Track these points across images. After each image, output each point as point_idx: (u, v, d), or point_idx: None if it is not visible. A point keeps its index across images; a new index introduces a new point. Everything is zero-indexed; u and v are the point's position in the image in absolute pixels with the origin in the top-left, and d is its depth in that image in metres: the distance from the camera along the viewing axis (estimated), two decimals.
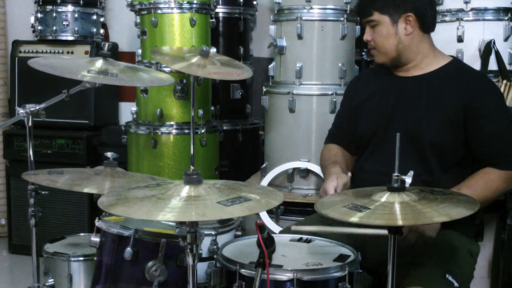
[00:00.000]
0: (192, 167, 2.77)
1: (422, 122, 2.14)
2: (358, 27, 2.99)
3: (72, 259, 2.35)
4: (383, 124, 2.23)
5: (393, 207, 1.53)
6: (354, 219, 1.50)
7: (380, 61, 2.26)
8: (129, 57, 3.92)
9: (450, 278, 1.92)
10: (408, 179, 1.60)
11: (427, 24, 2.20)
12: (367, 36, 2.24)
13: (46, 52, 3.88)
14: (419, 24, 2.17)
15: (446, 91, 2.15)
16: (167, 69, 3.12)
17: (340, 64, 2.89)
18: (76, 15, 3.84)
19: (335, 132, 2.48)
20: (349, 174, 2.16)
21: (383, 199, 1.57)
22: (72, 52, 3.85)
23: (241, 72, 2.74)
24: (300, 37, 2.86)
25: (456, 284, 1.92)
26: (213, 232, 2.34)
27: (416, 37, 2.18)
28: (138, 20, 3.29)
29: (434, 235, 1.94)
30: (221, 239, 2.34)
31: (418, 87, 2.20)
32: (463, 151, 2.14)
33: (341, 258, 1.82)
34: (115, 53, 4.00)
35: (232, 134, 3.63)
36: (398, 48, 2.18)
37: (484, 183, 2.06)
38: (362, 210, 1.53)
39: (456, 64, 2.26)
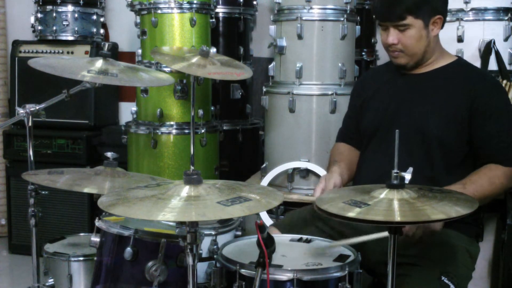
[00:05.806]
0: (192, 167, 2.77)
1: (428, 117, 2.14)
2: (358, 27, 2.99)
3: (72, 259, 2.36)
4: (387, 120, 2.22)
5: (392, 204, 1.53)
6: (352, 214, 1.50)
7: (403, 62, 2.20)
8: (129, 57, 3.91)
9: (445, 280, 1.91)
10: (407, 176, 1.60)
11: (444, 23, 2.22)
12: (393, 40, 2.14)
13: (46, 52, 3.88)
14: (442, 25, 2.19)
15: (451, 89, 2.15)
16: (167, 69, 3.12)
17: (340, 64, 2.88)
18: (76, 15, 3.84)
19: (344, 131, 2.48)
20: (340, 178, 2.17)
21: (382, 195, 1.57)
22: (72, 52, 3.85)
23: (241, 72, 2.74)
24: (300, 37, 2.86)
25: (452, 286, 1.91)
26: (213, 232, 2.34)
27: (437, 36, 2.21)
28: (138, 20, 3.28)
29: (439, 229, 1.92)
30: (221, 239, 2.34)
31: (424, 84, 2.20)
32: (466, 149, 2.14)
33: (341, 258, 1.82)
34: (115, 53, 4.00)
35: (232, 134, 3.63)
36: (426, 49, 2.17)
37: (488, 179, 2.05)
38: (361, 206, 1.53)
39: (462, 63, 2.26)
